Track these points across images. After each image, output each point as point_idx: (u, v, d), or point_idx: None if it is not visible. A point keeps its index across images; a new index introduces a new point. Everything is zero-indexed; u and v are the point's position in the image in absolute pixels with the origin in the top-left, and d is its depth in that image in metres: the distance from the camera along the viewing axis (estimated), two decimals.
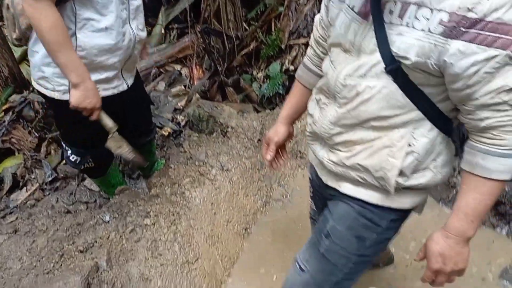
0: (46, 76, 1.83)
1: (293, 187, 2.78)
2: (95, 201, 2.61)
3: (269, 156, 1.64)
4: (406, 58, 1.05)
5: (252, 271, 2.31)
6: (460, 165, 1.16)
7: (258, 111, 3.44)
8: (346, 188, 1.33)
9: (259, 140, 2.84)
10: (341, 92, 1.21)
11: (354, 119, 1.21)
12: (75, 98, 1.73)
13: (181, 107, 3.48)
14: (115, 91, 1.99)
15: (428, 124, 1.17)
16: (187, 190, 2.49)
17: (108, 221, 2.26)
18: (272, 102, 3.75)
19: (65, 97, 1.79)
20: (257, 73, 3.96)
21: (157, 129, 3.07)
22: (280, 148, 1.70)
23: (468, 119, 1.10)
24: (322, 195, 1.53)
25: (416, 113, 1.15)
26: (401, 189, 1.25)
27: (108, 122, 1.92)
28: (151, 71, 3.76)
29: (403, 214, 1.34)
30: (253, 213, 2.61)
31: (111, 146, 1.99)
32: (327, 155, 1.34)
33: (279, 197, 2.71)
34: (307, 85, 1.52)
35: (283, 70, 3.66)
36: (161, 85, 3.66)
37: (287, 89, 3.68)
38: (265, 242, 2.46)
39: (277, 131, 1.64)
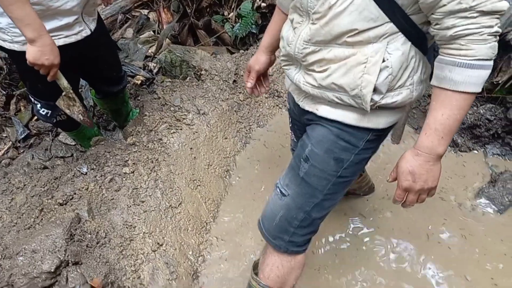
0: (1, 27, 1.72)
1: (272, 125, 2.77)
2: (72, 155, 2.56)
3: (249, 83, 1.70)
4: None
5: (237, 211, 2.34)
6: (430, 82, 1.16)
7: (232, 53, 3.34)
8: (324, 110, 1.33)
9: (234, 81, 2.78)
10: (314, 7, 1.18)
11: (327, 35, 1.19)
12: (32, 55, 1.62)
13: (152, 54, 3.37)
14: (78, 37, 1.89)
15: (401, 38, 1.15)
16: (164, 136, 2.44)
17: (86, 173, 2.22)
18: (246, 42, 3.65)
19: (25, 48, 1.69)
20: (229, 13, 3.82)
21: (129, 78, 2.97)
22: (262, 76, 1.74)
23: (436, 30, 1.08)
24: (301, 123, 1.53)
25: (390, 26, 1.13)
26: (376, 108, 1.25)
27: (63, 81, 1.84)
28: (117, 17, 3.58)
29: (379, 133, 1.35)
30: (233, 155, 2.60)
31: (61, 105, 1.92)
32: (303, 77, 1.33)
33: (258, 137, 2.70)
34: (286, 11, 1.47)
35: (254, 7, 3.53)
36: (129, 32, 3.51)
37: (261, 28, 3.57)
38: (247, 181, 2.47)
39: (258, 59, 1.66)
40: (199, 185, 2.38)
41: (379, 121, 1.30)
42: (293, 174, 1.42)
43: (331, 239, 2.19)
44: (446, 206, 2.30)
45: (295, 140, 1.77)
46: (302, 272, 1.57)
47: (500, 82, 2.31)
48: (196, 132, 2.53)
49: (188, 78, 2.91)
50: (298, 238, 1.44)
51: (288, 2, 1.44)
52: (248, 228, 2.25)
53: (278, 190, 1.46)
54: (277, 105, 2.85)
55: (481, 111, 2.46)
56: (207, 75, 2.74)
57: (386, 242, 2.17)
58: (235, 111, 2.73)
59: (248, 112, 2.79)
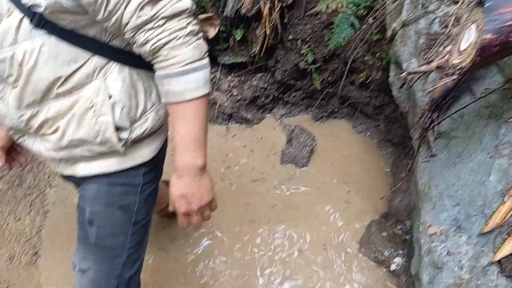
0: None
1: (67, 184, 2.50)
2: None
3: (0, 162, 1.45)
4: (38, 6, 0.93)
5: None
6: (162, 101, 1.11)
7: None
8: (82, 169, 1.19)
9: None
10: (5, 70, 1.03)
11: (35, 94, 1.05)
12: None
13: None
14: None
15: (115, 66, 1.08)
16: None
17: None
18: None
19: None
20: None
21: None
22: (10, 148, 1.48)
23: (137, 48, 1.02)
24: (75, 186, 1.36)
25: (95, 60, 1.04)
26: (133, 144, 1.16)
27: None
28: None
29: (153, 162, 1.26)
30: (36, 232, 2.28)
31: None
32: (42, 145, 1.17)
33: (57, 199, 2.41)
34: None
35: None
36: None
37: None
38: (64, 252, 2.20)
39: None
40: (8, 287, 2.02)
41: (144, 154, 1.21)
42: (84, 244, 1.26)
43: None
44: (265, 187, 2.39)
45: None
46: None
47: (256, 52, 2.42)
48: None
49: None
50: None
51: None
52: None
53: (76, 269, 1.27)
54: None
55: (254, 83, 2.58)
56: None
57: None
58: (17, 185, 2.38)
59: (35, 179, 2.46)
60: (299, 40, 2.33)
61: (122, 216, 1.23)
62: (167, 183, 1.27)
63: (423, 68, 1.30)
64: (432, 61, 1.28)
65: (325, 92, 2.52)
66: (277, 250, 2.09)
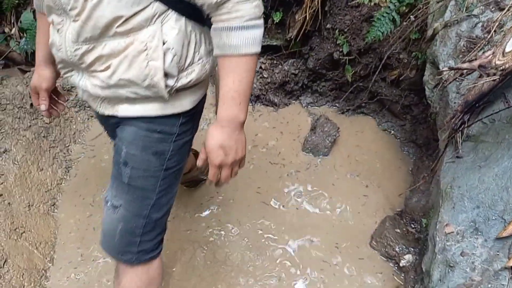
0: None
1: (91, 138, 2.56)
2: None
3: (43, 106, 1.51)
4: None
5: (77, 243, 2.12)
6: (213, 53, 1.16)
7: (25, 72, 2.96)
8: (124, 110, 1.24)
9: (31, 104, 2.47)
10: (69, 3, 1.07)
11: (95, 30, 1.09)
12: None
13: None
14: None
15: (173, 15, 1.12)
16: None
17: None
18: None
19: None
20: (10, 30, 3.38)
21: None
22: (53, 92, 1.55)
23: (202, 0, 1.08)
24: (111, 127, 1.40)
25: (156, 5, 1.08)
26: (176, 92, 1.20)
27: None
28: None
29: (190, 113, 1.30)
30: (56, 184, 2.33)
31: None
32: (89, 81, 1.21)
33: (79, 156, 2.47)
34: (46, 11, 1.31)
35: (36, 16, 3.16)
36: None
37: None
38: (81, 207, 2.25)
39: (42, 76, 1.47)
40: (24, 232, 2.08)
41: (184, 103, 1.26)
42: (118, 183, 1.31)
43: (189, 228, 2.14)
44: (283, 172, 2.40)
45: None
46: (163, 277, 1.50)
47: (292, 37, 2.43)
48: (2, 174, 2.19)
49: None
50: (148, 244, 1.34)
51: (42, 2, 1.28)
52: (95, 257, 2.06)
53: (109, 204, 1.33)
54: (91, 116, 2.62)
55: (286, 68, 2.58)
56: None
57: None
58: (43, 136, 2.43)
59: (61, 133, 2.52)
60: (337, 30, 2.33)
61: (155, 161, 1.27)
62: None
63: (465, 65, 1.30)
64: (474, 59, 1.28)
65: (355, 85, 2.51)
66: (287, 235, 2.11)
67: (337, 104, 2.67)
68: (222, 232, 2.15)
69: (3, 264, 1.94)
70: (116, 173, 1.31)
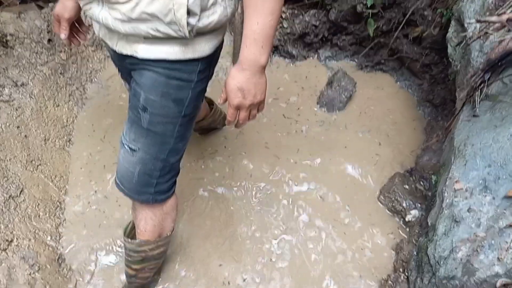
0: None
1: (107, 77, 2.57)
2: None
3: (63, 34, 1.51)
4: None
5: (91, 180, 2.18)
6: None
7: (42, 7, 2.94)
8: (143, 50, 1.23)
9: (49, 40, 2.46)
10: None
11: None
12: None
13: None
14: None
15: None
16: None
17: None
18: None
19: None
20: None
21: None
22: (77, 22, 1.56)
23: None
24: (127, 69, 1.40)
25: None
26: (196, 35, 1.19)
27: None
28: None
29: (208, 61, 1.30)
30: (71, 121, 2.37)
31: None
32: (109, 14, 1.18)
33: (95, 95, 2.49)
34: None
35: None
36: None
37: None
38: (94, 144, 2.30)
39: (65, 6, 1.46)
40: (40, 165, 2.14)
41: (204, 48, 1.25)
42: (136, 128, 1.33)
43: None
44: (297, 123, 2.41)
45: (129, 88, 1.65)
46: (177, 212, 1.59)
47: None
48: (19, 107, 2.22)
49: None
50: (163, 185, 1.42)
51: None
52: (107, 194, 2.13)
53: (126, 147, 1.37)
54: (107, 56, 2.62)
55: (307, 19, 2.53)
56: (15, 40, 2.37)
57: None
58: (60, 73, 2.44)
59: (77, 71, 2.53)
60: None
61: (174, 107, 1.29)
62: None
63: (494, 18, 1.26)
64: (503, 13, 1.24)
65: (376, 41, 2.46)
66: (297, 188, 2.14)
67: (355, 59, 2.63)
68: (233, 182, 2.19)
69: (20, 193, 2.00)
70: (134, 117, 1.33)
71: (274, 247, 1.97)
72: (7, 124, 2.16)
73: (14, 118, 2.19)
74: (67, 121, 2.35)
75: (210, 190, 2.15)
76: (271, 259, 1.93)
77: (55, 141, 2.25)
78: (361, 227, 1.99)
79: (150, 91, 1.27)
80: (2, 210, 1.92)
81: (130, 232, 1.60)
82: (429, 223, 1.59)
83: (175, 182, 1.48)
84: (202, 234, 2.02)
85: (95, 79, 2.56)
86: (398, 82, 2.55)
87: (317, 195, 2.11)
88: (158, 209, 1.48)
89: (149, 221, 1.49)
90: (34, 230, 1.94)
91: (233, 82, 1.17)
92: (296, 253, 1.94)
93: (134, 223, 1.57)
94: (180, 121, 1.32)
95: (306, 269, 1.90)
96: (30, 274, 1.82)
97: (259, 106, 1.25)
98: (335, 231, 1.99)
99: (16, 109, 2.21)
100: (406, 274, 1.68)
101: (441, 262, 1.43)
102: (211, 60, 1.33)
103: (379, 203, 2.02)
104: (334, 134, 2.34)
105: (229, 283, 1.89)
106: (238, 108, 1.22)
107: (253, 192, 2.14)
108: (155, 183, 1.39)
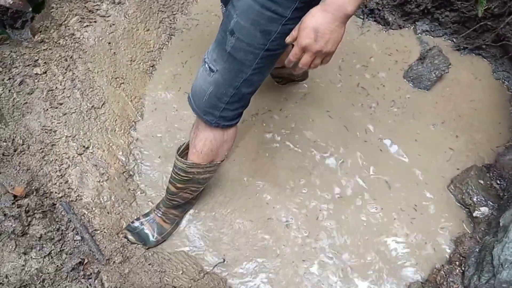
0: None
1: (197, 11, 2.57)
2: None
3: None
4: None
5: (166, 107, 2.24)
6: None
7: None
8: None
9: None
10: None
11: None
12: None
13: None
14: None
15: None
16: (77, 30, 2.20)
17: None
18: None
19: None
20: None
21: None
22: None
23: None
24: None
25: None
26: None
27: None
28: None
29: (307, 1, 1.23)
30: (158, 48, 2.42)
31: None
32: None
33: (184, 27, 2.51)
34: None
35: None
36: None
37: None
38: (175, 75, 2.34)
39: None
40: (123, 83, 2.22)
41: None
42: (220, 49, 1.33)
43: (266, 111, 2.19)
44: (377, 91, 2.33)
45: (225, 11, 1.64)
46: (234, 144, 1.61)
47: None
48: (113, 24, 2.30)
49: None
50: (229, 112, 1.42)
51: None
52: (179, 123, 2.19)
53: (206, 65, 1.38)
54: None
55: None
56: None
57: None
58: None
59: (171, 0, 2.55)
60: None
61: (260, 38, 1.26)
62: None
63: None
64: None
65: (482, 23, 2.28)
66: (360, 167, 2.11)
67: (454, 39, 2.46)
68: (295, 137, 2.19)
69: (101, 106, 2.11)
70: (221, 39, 1.33)
71: (328, 207, 1.98)
72: (100, 38, 2.24)
73: (107, 34, 2.27)
74: (153, 46, 2.40)
75: (275, 140, 2.17)
76: (317, 218, 1.96)
77: (140, 63, 2.32)
78: (423, 214, 1.94)
79: (241, 16, 1.25)
80: (83, 118, 2.04)
81: (183, 152, 1.64)
82: (501, 224, 1.52)
83: (241, 114, 1.48)
84: (258, 174, 2.07)
85: (186, 11, 2.58)
86: (495, 72, 2.37)
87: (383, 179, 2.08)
88: (219, 134, 1.49)
89: (208, 143, 1.51)
90: (108, 143, 2.05)
91: (310, 21, 1.11)
92: (348, 220, 1.95)
93: (189, 144, 1.60)
94: (262, 54, 1.29)
95: (358, 230, 1.93)
96: (99, 182, 1.95)
97: (325, 57, 1.18)
98: (397, 216, 1.96)
99: (110, 26, 2.29)
100: (462, 268, 1.62)
101: (505, 265, 1.37)
102: (310, 1, 1.26)
103: (448, 192, 1.95)
104: (410, 112, 2.25)
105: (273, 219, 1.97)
106: (304, 49, 1.16)
107: (312, 153, 2.13)
108: (222, 107, 1.39)
